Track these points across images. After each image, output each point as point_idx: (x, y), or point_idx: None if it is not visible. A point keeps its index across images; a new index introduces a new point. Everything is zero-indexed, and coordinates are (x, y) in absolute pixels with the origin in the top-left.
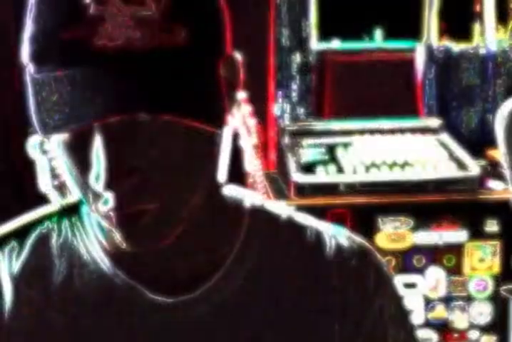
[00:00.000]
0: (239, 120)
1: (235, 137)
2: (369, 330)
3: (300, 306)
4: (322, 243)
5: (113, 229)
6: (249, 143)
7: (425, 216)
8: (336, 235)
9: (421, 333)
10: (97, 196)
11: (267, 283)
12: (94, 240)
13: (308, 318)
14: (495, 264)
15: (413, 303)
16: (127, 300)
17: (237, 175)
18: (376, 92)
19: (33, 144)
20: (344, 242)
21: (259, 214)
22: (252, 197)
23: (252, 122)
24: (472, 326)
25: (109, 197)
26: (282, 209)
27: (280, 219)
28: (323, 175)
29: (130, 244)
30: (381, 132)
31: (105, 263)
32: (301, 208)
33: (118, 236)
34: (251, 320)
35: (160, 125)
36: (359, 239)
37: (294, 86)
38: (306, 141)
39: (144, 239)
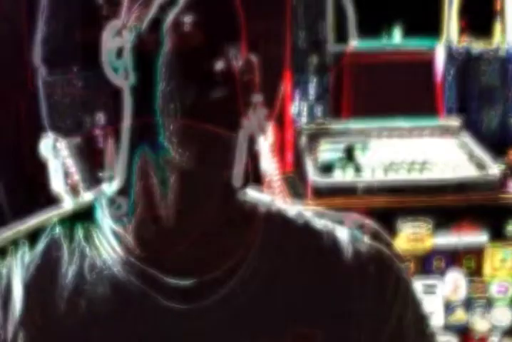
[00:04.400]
0: (255, 123)
1: (251, 140)
2: (388, 337)
3: (317, 311)
4: (340, 248)
5: (126, 234)
6: (265, 145)
7: (445, 218)
8: (354, 240)
9: (441, 337)
10: (110, 201)
11: (283, 288)
12: (107, 245)
13: (325, 324)
14: None
15: (432, 306)
16: (140, 306)
17: (254, 177)
18: (395, 93)
19: (45, 145)
20: (362, 247)
21: (275, 218)
22: (267, 200)
23: (269, 125)
24: (493, 329)
25: (122, 201)
26: (299, 212)
27: (296, 223)
28: (341, 176)
29: (143, 250)
30: (400, 132)
31: (118, 268)
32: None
33: (131, 242)
34: (268, 325)
35: (174, 129)
36: (377, 244)
37: (312, 87)
38: (324, 142)
39: (158, 245)
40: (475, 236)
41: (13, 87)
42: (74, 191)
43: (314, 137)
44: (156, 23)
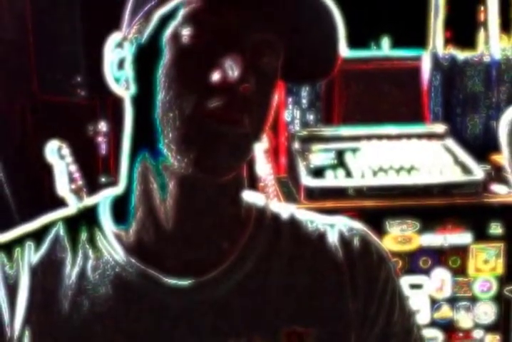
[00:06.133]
0: None
1: None
2: (377, 334)
3: (310, 310)
4: (330, 249)
5: (127, 236)
6: (260, 149)
7: (431, 219)
8: (344, 242)
9: (427, 333)
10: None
11: (277, 289)
12: (109, 247)
13: (318, 323)
14: (499, 266)
15: (419, 303)
16: (141, 305)
17: (249, 180)
18: (384, 99)
19: (51, 150)
20: (345, 227)
21: (269, 220)
22: (262, 203)
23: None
24: (476, 326)
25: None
26: (292, 215)
27: (289, 226)
28: (332, 179)
29: (143, 252)
30: (389, 137)
31: (119, 269)
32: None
33: (131, 244)
34: (263, 324)
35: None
36: (356, 224)
37: (304, 93)
38: (316, 146)
39: (157, 247)
40: (460, 237)
41: (20, 96)
42: (78, 195)
43: (307, 142)
44: (156, 35)
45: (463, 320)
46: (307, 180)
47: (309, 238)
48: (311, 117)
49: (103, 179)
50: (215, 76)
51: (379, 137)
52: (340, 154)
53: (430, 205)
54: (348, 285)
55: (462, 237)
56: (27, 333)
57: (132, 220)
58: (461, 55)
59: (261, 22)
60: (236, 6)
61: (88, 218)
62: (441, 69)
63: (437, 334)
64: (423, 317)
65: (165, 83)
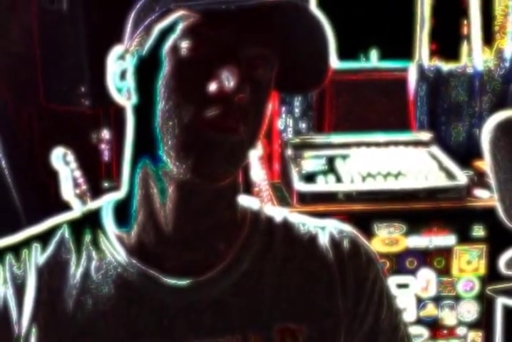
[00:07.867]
0: None
1: None
2: (366, 331)
3: (302, 309)
4: (322, 251)
5: (128, 238)
6: (255, 156)
7: (417, 222)
8: (335, 244)
9: (413, 330)
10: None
11: (270, 288)
12: (111, 248)
13: (310, 320)
14: (482, 266)
15: (406, 302)
16: (141, 304)
17: (245, 185)
18: (372, 108)
19: (56, 156)
20: (335, 230)
21: (263, 223)
22: (256, 206)
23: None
24: (460, 323)
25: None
26: (285, 218)
27: (282, 229)
28: (323, 184)
29: (144, 253)
30: (377, 144)
31: (121, 269)
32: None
33: (133, 245)
34: (257, 321)
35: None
36: (346, 226)
37: (297, 103)
38: (308, 153)
39: (157, 248)
40: (444, 239)
41: (27, 105)
42: (82, 199)
43: (299, 149)
44: (156, 48)
45: (448, 318)
46: (300, 185)
47: (301, 240)
48: (303, 125)
49: (106, 184)
50: (212, 87)
51: (368, 144)
52: (331, 160)
53: (416, 209)
54: (338, 284)
55: (446, 239)
56: (34, 330)
57: (134, 223)
58: (446, 66)
59: (256, 36)
60: (232, 20)
61: (91, 221)
62: (426, 80)
63: (422, 331)
64: (409, 315)
65: (164, 93)
